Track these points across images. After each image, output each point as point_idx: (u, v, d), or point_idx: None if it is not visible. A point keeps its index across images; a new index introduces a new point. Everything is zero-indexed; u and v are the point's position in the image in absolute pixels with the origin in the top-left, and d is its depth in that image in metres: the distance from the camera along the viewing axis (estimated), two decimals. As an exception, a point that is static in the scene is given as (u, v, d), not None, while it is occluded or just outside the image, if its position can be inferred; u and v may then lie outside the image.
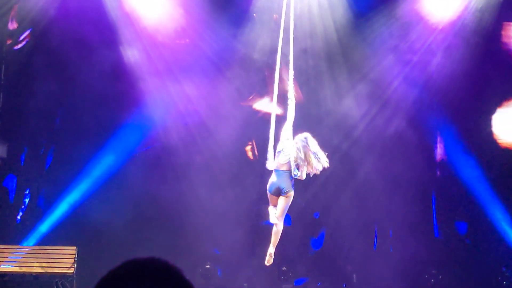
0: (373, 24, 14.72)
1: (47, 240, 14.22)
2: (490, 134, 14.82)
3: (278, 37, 9.74)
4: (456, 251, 14.86)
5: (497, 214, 14.67)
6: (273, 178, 9.22)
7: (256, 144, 14.61)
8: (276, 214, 9.24)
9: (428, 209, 15.02)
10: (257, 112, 14.66)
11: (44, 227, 14.44)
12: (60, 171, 14.73)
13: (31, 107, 14.50)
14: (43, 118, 14.73)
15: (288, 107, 9.25)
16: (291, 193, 9.17)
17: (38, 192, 14.88)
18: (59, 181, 14.69)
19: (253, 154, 14.72)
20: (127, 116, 14.70)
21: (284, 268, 14.98)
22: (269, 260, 9.46)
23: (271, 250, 9.43)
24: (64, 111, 14.90)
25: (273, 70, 9.76)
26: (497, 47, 14.68)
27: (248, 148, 14.88)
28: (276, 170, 9.20)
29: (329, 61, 14.80)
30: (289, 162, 9.10)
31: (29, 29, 14.48)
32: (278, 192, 9.19)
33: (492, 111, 14.84)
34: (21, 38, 14.51)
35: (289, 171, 9.11)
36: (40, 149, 14.97)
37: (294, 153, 9.06)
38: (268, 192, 9.25)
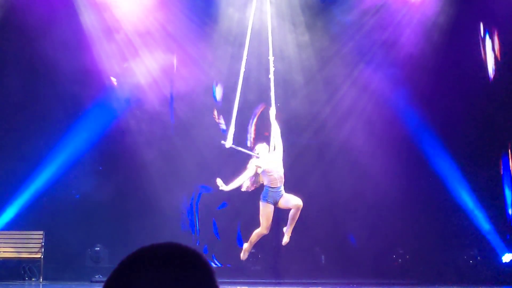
0: (341, 4, 14.70)
1: (14, 225, 14.15)
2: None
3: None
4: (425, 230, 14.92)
5: (464, 195, 14.75)
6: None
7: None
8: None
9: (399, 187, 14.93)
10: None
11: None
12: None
13: None
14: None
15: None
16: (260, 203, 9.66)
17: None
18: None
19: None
20: (92, 101, 14.65)
21: (253, 250, 15.00)
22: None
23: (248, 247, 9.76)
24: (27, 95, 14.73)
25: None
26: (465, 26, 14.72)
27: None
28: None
29: (297, 42, 14.74)
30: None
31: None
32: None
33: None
34: None
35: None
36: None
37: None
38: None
